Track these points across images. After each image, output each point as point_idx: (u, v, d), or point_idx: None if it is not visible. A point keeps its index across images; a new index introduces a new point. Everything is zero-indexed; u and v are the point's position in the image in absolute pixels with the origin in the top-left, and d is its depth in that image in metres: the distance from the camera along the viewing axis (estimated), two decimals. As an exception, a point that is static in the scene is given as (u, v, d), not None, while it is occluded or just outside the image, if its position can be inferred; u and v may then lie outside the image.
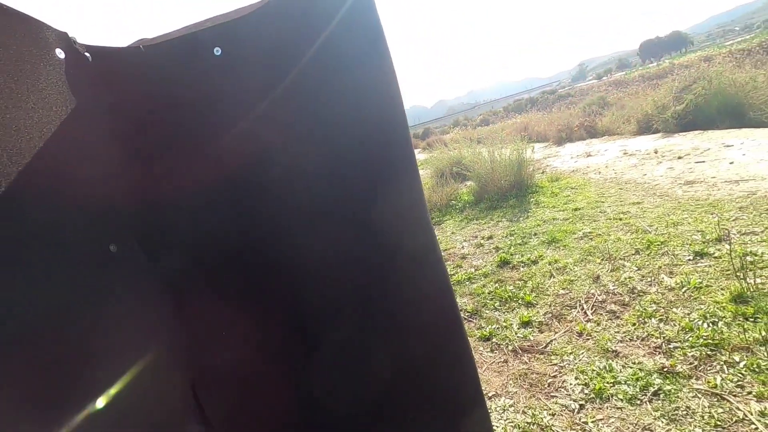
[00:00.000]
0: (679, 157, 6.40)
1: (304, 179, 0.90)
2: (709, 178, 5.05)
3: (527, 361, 2.64)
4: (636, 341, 2.52)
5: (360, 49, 0.89)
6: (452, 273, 4.25)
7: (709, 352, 2.23)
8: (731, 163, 5.34)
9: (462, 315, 3.37)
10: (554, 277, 3.56)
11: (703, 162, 5.76)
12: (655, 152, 7.14)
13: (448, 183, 7.76)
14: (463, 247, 4.99)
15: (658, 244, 3.57)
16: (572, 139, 11.72)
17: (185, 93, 0.87)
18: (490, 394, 2.42)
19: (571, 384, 2.31)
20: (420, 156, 20.36)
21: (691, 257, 3.23)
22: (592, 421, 2.02)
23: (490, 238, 5.02)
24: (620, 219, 4.42)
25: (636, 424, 1.93)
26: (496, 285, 3.70)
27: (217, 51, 0.88)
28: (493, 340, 2.94)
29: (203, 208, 0.92)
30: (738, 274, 2.73)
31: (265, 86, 0.89)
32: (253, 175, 0.90)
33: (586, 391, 2.23)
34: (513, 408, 2.27)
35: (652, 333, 2.53)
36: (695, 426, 1.83)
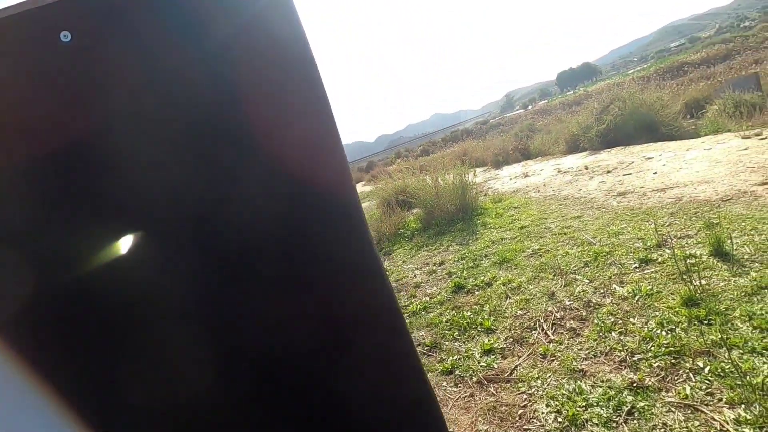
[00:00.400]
0: (608, 171, 6.78)
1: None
2: (638, 188, 5.33)
3: (494, 392, 2.45)
4: (600, 357, 2.42)
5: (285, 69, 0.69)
6: (406, 304, 4.04)
7: (673, 361, 2.17)
8: (655, 173, 5.70)
9: (421, 350, 3.15)
10: (510, 297, 3.46)
11: (630, 174, 6.11)
12: (586, 168, 7.54)
13: (394, 212, 7.67)
14: (415, 275, 4.82)
15: (604, 255, 3.61)
16: (509, 161, 12.24)
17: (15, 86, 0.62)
18: (459, 436, 2.19)
19: (543, 413, 2.14)
20: (365, 188, 20.40)
21: (637, 265, 3.27)
22: (571, 454, 1.84)
23: (442, 263, 4.90)
24: (565, 233, 4.49)
25: (616, 451, 1.78)
26: (453, 312, 3.54)
27: (66, 36, 0.65)
28: (456, 372, 2.74)
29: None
30: (684, 277, 2.76)
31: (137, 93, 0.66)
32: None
33: (559, 419, 2.06)
34: (486, 449, 2.05)
35: (615, 346, 2.45)
36: (676, 445, 1.71)
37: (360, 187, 23.31)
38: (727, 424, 1.71)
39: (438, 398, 2.55)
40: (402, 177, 9.75)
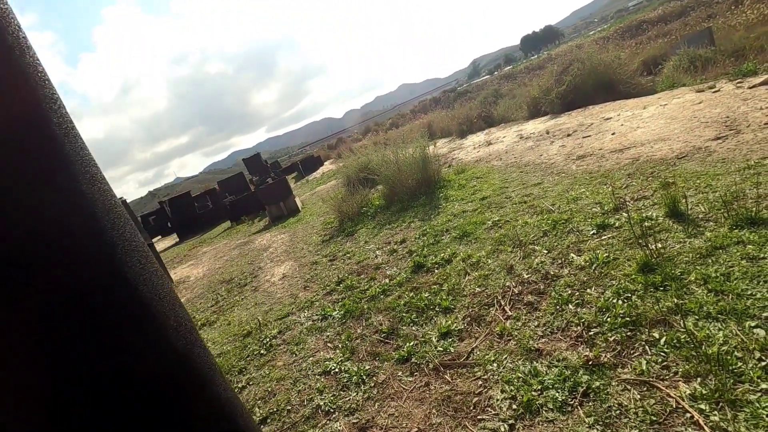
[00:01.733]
0: (568, 135, 6.69)
1: None
2: (596, 150, 5.25)
3: (450, 379, 2.31)
4: (557, 333, 2.31)
5: None
6: (366, 287, 3.87)
7: (629, 333, 2.07)
8: (613, 134, 5.63)
9: (377, 337, 2.99)
10: (469, 274, 3.33)
11: (590, 136, 6.04)
12: (547, 133, 7.44)
13: (357, 190, 7.42)
14: (376, 256, 4.64)
15: (562, 223, 3.50)
16: (473, 130, 12.08)
17: None
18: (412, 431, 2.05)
19: (497, 400, 2.02)
20: (332, 167, 19.99)
21: (594, 231, 3.17)
22: (525, 445, 1.72)
23: (403, 241, 4.73)
24: (525, 202, 4.37)
25: (571, 439, 1.66)
26: (412, 294, 3.38)
27: None
28: (412, 360, 2.59)
29: None
30: (640, 242, 2.66)
31: None
32: None
33: (514, 406, 1.94)
34: (438, 445, 1.92)
35: (571, 320, 2.34)
36: (631, 427, 1.60)
37: (328, 166, 22.85)
38: (683, 400, 1.61)
39: (393, 390, 2.41)
40: (365, 153, 9.46)
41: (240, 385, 3.08)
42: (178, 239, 17.77)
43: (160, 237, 24.06)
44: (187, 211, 18.64)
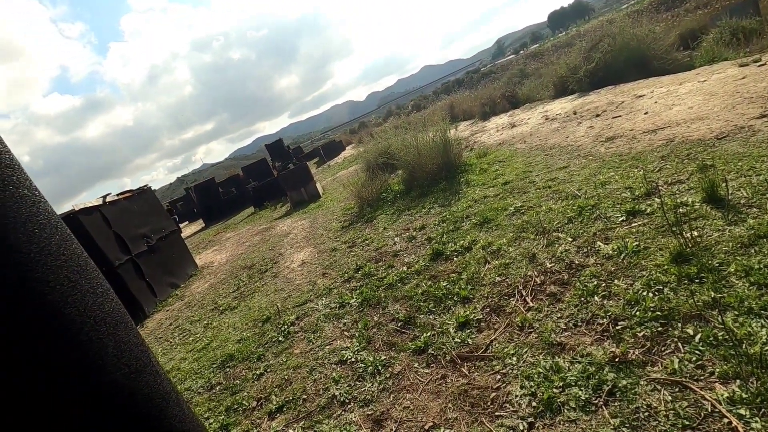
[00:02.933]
0: (597, 115, 6.37)
1: None
2: (627, 131, 4.97)
3: (467, 372, 2.24)
4: (581, 326, 2.19)
5: None
6: (384, 275, 3.81)
7: (660, 328, 1.93)
8: (646, 113, 5.31)
9: (394, 326, 2.94)
10: (489, 262, 3.21)
11: (620, 116, 5.72)
12: (574, 113, 7.12)
13: (377, 175, 7.33)
14: (395, 243, 4.56)
15: (589, 209, 3.32)
16: (496, 111, 11.72)
17: None
18: (427, 426, 2.00)
19: (516, 396, 1.93)
20: (353, 151, 19.91)
21: (624, 218, 2.99)
22: (545, 445, 1.64)
23: (422, 228, 4.63)
24: (549, 187, 4.19)
25: (594, 441, 1.56)
26: (430, 282, 3.30)
27: None
28: (429, 351, 2.53)
29: None
30: (674, 229, 2.48)
31: None
32: None
33: (534, 404, 1.85)
34: (454, 442, 1.85)
35: (597, 313, 2.21)
36: (661, 431, 1.49)
37: (349, 150, 22.77)
38: (720, 404, 1.49)
39: (408, 381, 2.35)
40: (385, 138, 9.32)
41: (258, 372, 3.10)
42: (204, 225, 18.18)
43: (187, 222, 24.71)
44: (212, 197, 19.00)
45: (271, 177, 16.78)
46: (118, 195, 7.09)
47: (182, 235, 9.36)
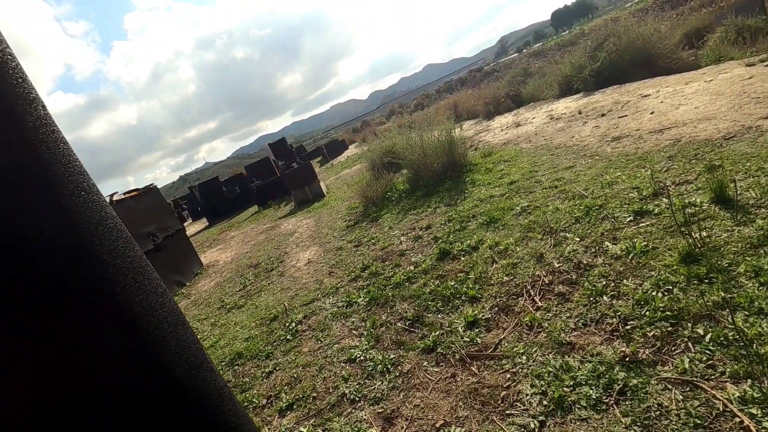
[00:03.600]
0: (603, 114, 6.37)
1: None
2: (633, 131, 4.97)
3: (477, 371, 2.26)
4: (590, 326, 2.20)
5: None
6: (390, 274, 3.83)
7: (669, 328, 1.95)
8: (652, 113, 5.31)
9: (402, 325, 2.96)
10: (496, 262, 3.23)
11: (626, 116, 5.72)
12: (579, 112, 7.11)
13: (381, 175, 7.34)
14: (401, 242, 4.58)
15: (596, 209, 3.33)
16: (500, 111, 11.71)
17: None
18: (438, 424, 2.02)
19: (527, 395, 1.95)
20: (357, 151, 19.92)
21: (631, 218, 3.00)
22: (556, 444, 1.65)
23: (428, 227, 4.65)
24: (556, 187, 4.20)
25: (606, 440, 1.58)
26: (437, 282, 3.32)
27: None
28: (438, 350, 2.54)
29: None
30: (682, 230, 2.50)
31: None
32: None
33: (545, 402, 1.87)
34: (465, 439, 1.87)
35: (606, 313, 2.23)
36: (673, 430, 1.51)
37: (352, 149, 22.79)
38: (731, 403, 1.50)
39: (418, 380, 2.37)
40: (389, 137, 9.33)
41: (267, 371, 3.13)
42: (207, 223, 18.24)
43: (191, 221, 24.79)
44: (216, 195, 19.05)
45: (275, 176, 16.82)
46: (124, 194, 7.14)
47: (187, 233, 9.39)
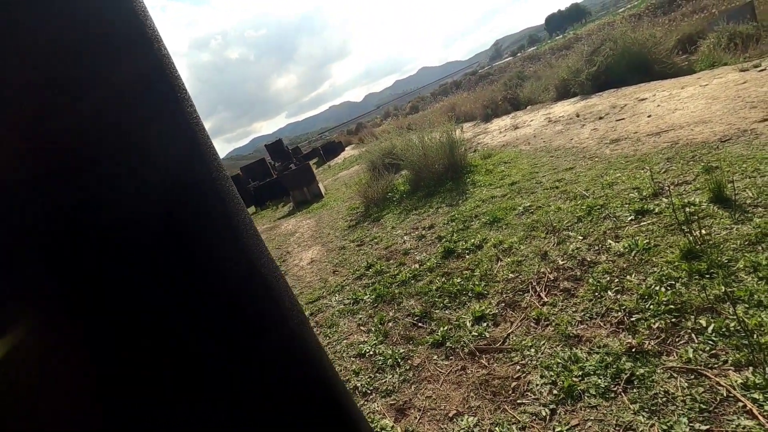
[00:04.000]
0: (600, 117, 6.49)
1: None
2: (631, 133, 5.08)
3: (486, 363, 2.33)
4: (596, 319, 2.29)
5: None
6: (396, 272, 3.89)
7: (673, 320, 2.03)
8: (649, 116, 5.43)
9: (410, 320, 3.02)
10: (501, 260, 3.31)
11: (624, 119, 5.84)
12: (577, 115, 7.24)
13: (381, 175, 7.41)
14: (404, 241, 4.65)
15: (598, 208, 3.43)
16: (498, 113, 11.84)
17: None
18: (451, 414, 2.08)
19: (537, 385, 2.03)
20: (354, 152, 19.97)
21: (632, 217, 3.09)
22: (567, 429, 1.73)
23: (431, 227, 4.73)
24: (557, 187, 4.29)
25: (616, 425, 1.66)
26: (443, 279, 3.39)
27: None
28: (447, 344, 2.61)
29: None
30: (683, 228, 2.59)
31: None
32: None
33: (555, 392, 1.94)
34: (478, 428, 1.94)
35: (611, 307, 2.31)
36: (679, 415, 1.59)
37: (349, 151, 22.83)
38: (734, 389, 1.59)
39: (429, 373, 2.44)
40: (389, 138, 9.41)
41: (276, 366, 3.18)
42: (204, 224, 18.17)
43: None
44: (213, 196, 18.99)
45: (271, 177, 16.82)
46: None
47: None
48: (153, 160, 0.37)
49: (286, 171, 14.08)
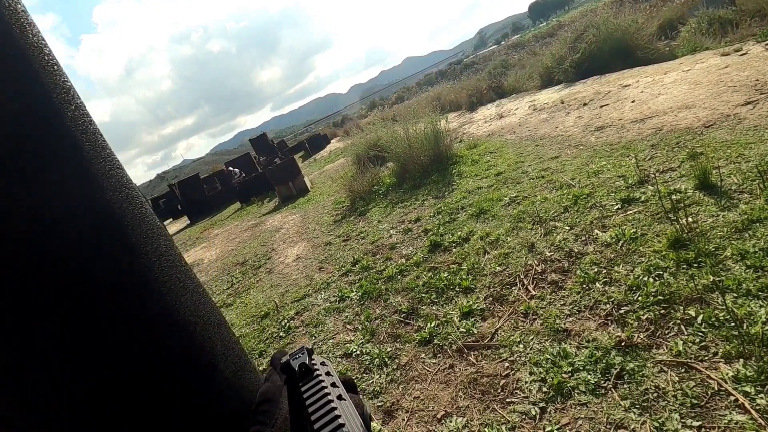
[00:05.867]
0: (585, 104, 6.46)
1: None
2: (616, 120, 5.06)
3: (475, 361, 2.28)
4: (585, 312, 2.25)
5: None
6: (382, 268, 3.82)
7: (662, 311, 2.00)
8: (633, 102, 5.42)
9: (397, 317, 2.96)
10: (488, 253, 3.25)
11: (608, 105, 5.82)
12: (562, 102, 7.21)
13: (367, 168, 7.31)
14: (391, 235, 4.58)
15: (584, 198, 3.39)
16: (483, 102, 11.78)
17: None
18: (439, 415, 2.03)
19: (526, 382, 1.98)
20: (339, 144, 19.78)
21: (619, 206, 3.06)
22: (558, 429, 1.68)
23: (418, 220, 4.65)
24: (543, 177, 4.25)
25: (607, 423, 1.61)
26: (430, 274, 3.33)
27: None
28: (435, 341, 2.56)
29: None
30: (670, 216, 2.56)
31: None
32: None
33: (544, 389, 1.90)
34: (467, 429, 1.89)
35: (600, 299, 2.27)
36: (671, 411, 1.55)
37: (335, 144, 22.61)
38: (726, 382, 1.55)
39: (416, 372, 2.38)
40: (374, 130, 9.28)
41: (261, 368, 3.09)
42: (189, 221, 17.89)
43: (171, 219, 24.27)
44: (197, 193, 18.69)
45: (256, 172, 16.58)
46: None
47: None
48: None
49: (270, 165, 13.87)
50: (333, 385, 0.37)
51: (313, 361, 0.40)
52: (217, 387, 0.37)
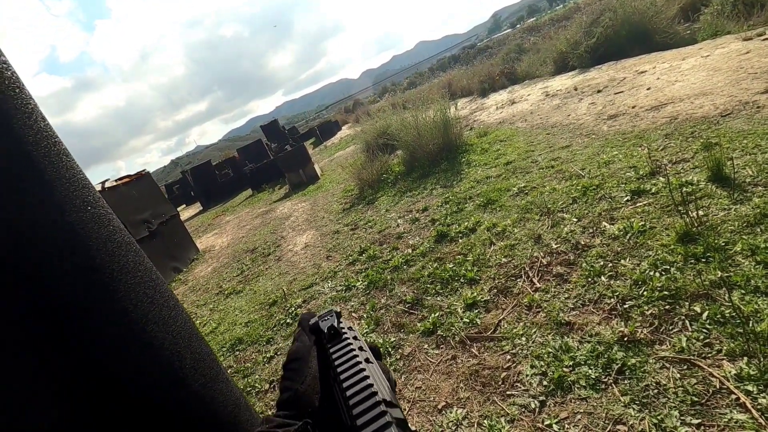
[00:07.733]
0: (599, 91, 6.31)
1: None
2: (629, 108, 4.94)
3: (477, 352, 2.29)
4: (589, 306, 2.23)
5: None
6: (388, 257, 3.83)
7: (667, 307, 1.97)
8: (648, 89, 5.27)
9: (402, 307, 2.98)
10: (494, 244, 3.24)
11: (622, 92, 5.68)
12: (575, 89, 7.05)
13: (376, 156, 7.28)
14: (398, 225, 4.58)
15: (593, 189, 3.34)
16: (495, 88, 11.58)
17: None
18: (440, 406, 2.05)
19: (527, 376, 1.98)
20: (349, 131, 19.70)
21: (629, 197, 3.01)
22: (557, 423, 1.69)
23: (425, 210, 4.64)
24: (552, 167, 4.18)
25: (605, 418, 1.62)
26: (436, 264, 3.33)
27: None
28: (438, 332, 2.57)
29: None
30: (680, 209, 2.51)
31: None
32: None
33: (545, 383, 1.90)
34: (467, 420, 1.91)
35: (604, 293, 2.25)
36: (671, 408, 1.54)
37: (345, 131, 22.54)
38: (728, 381, 1.54)
39: (419, 362, 2.41)
40: (383, 117, 9.22)
41: (268, 355, 3.16)
42: (201, 207, 18.12)
43: (184, 205, 24.62)
44: (209, 179, 18.87)
45: (268, 159, 16.65)
46: (116, 181, 7.04)
47: (181, 218, 9.33)
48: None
49: (281, 152, 13.92)
50: (360, 348, 0.37)
51: (341, 325, 0.40)
52: (185, 400, 0.38)
